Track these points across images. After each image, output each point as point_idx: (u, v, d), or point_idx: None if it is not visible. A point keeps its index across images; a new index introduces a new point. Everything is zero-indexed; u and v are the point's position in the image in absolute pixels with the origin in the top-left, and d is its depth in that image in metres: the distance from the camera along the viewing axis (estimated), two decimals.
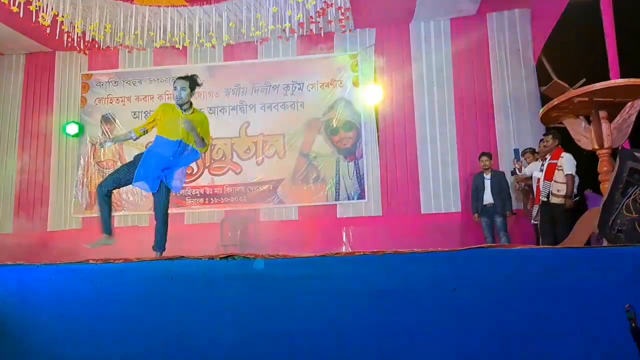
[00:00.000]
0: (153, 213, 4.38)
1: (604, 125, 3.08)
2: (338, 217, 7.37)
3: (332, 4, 6.14)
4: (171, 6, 6.49)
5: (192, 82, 4.12)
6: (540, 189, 5.23)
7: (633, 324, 1.60)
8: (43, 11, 5.92)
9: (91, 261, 2.31)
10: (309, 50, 7.67)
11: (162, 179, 3.98)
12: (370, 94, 7.43)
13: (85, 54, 7.70)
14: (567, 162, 5.07)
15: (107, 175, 4.33)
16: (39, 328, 2.17)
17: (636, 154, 2.50)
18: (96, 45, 6.85)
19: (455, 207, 7.10)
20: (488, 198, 6.30)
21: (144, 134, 4.16)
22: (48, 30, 6.21)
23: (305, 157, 7.58)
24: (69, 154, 7.93)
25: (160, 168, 3.97)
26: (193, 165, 7.56)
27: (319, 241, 6.69)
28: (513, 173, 6.39)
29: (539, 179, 5.32)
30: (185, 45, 6.67)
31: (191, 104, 4.17)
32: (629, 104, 3.03)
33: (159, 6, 6.47)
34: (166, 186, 4.04)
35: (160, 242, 3.98)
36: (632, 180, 2.45)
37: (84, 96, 8.05)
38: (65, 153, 7.93)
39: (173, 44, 6.53)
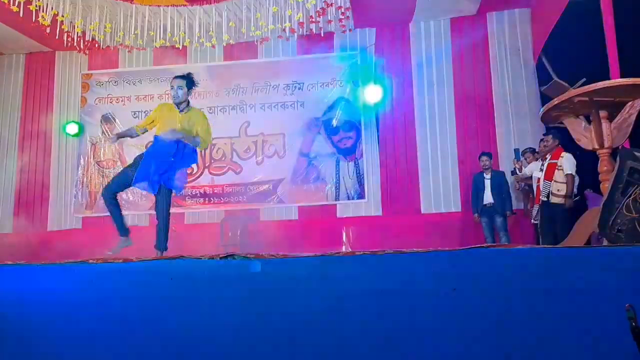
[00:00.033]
0: (153, 213, 4.39)
1: (604, 125, 3.08)
2: (338, 216, 7.37)
3: (332, 4, 6.13)
4: (171, 6, 6.48)
5: (189, 81, 4.14)
6: (541, 189, 5.23)
7: (633, 324, 1.59)
8: (43, 11, 5.91)
9: (91, 261, 2.31)
10: (309, 49, 7.66)
11: (161, 183, 3.99)
12: (371, 94, 7.42)
13: (85, 54, 7.70)
14: (567, 162, 5.07)
15: (110, 177, 4.35)
16: (38, 328, 2.17)
17: (636, 153, 2.50)
18: (96, 45, 6.84)
19: (455, 207, 7.11)
20: (488, 198, 6.29)
21: (144, 133, 4.17)
22: (48, 30, 6.20)
23: (305, 157, 7.58)
24: (69, 153, 7.93)
25: (160, 169, 3.98)
26: (193, 165, 7.56)
27: (319, 241, 6.69)
28: (513, 173, 6.38)
29: (539, 179, 5.32)
30: (185, 44, 6.66)
31: (188, 102, 4.17)
32: (629, 103, 3.03)
33: (158, 6, 6.46)
34: (166, 187, 4.04)
35: (162, 242, 3.99)
36: (632, 180, 2.45)
37: (84, 96, 8.05)
38: (65, 153, 7.94)
39: (173, 43, 6.53)
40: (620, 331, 1.68)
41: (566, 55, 5.63)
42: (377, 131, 7.50)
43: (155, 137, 4.15)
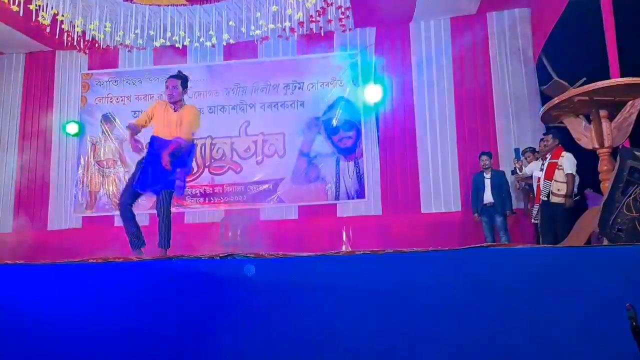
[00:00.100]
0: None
1: (604, 124, 3.08)
2: (338, 216, 7.37)
3: (332, 3, 6.13)
4: (171, 5, 6.48)
5: (184, 80, 4.17)
6: (541, 188, 5.23)
7: (634, 323, 1.59)
8: (43, 10, 5.90)
9: (91, 260, 2.31)
10: (309, 49, 7.66)
11: (162, 189, 4.00)
12: (371, 93, 7.42)
13: (85, 53, 7.70)
14: (567, 162, 5.07)
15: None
16: (38, 327, 2.17)
17: (636, 153, 2.50)
18: (96, 45, 6.84)
19: (455, 207, 7.10)
20: (488, 197, 6.29)
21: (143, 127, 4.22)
22: (48, 30, 6.20)
23: (305, 157, 7.57)
24: (69, 153, 7.93)
25: (160, 172, 3.99)
26: (193, 164, 7.56)
27: (319, 240, 6.69)
28: (513, 172, 6.38)
29: (539, 178, 5.32)
30: (185, 44, 6.66)
31: (182, 101, 4.19)
32: (630, 103, 3.02)
33: (159, 5, 6.46)
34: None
35: (165, 240, 4.00)
36: (633, 179, 2.44)
37: (84, 95, 8.05)
38: (65, 152, 7.93)
39: (173, 43, 6.52)
40: (620, 331, 1.68)
41: (566, 55, 5.63)
42: (377, 131, 7.50)
43: (152, 138, 4.16)
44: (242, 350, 2.00)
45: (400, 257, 2.07)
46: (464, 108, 7.31)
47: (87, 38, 6.74)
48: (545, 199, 5.15)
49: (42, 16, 5.92)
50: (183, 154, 4.12)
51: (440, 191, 7.18)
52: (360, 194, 7.36)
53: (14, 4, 5.67)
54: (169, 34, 6.48)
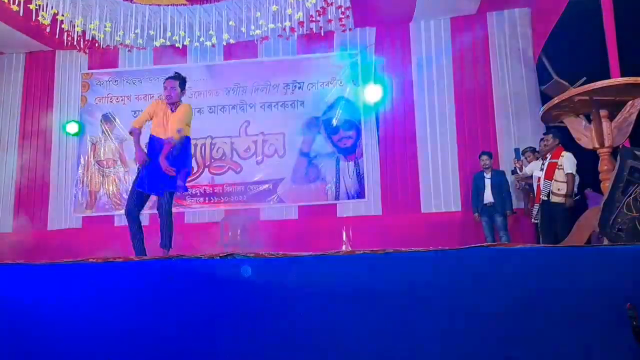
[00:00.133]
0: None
1: (605, 124, 3.08)
2: (338, 216, 7.37)
3: (332, 3, 6.13)
4: (171, 5, 6.48)
5: (182, 81, 4.17)
6: (541, 188, 5.23)
7: (634, 323, 1.59)
8: (43, 10, 5.90)
9: (91, 260, 2.31)
10: (309, 49, 7.66)
11: (164, 189, 4.01)
12: (371, 93, 7.42)
13: (85, 53, 7.70)
14: (567, 161, 5.07)
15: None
16: (38, 327, 2.17)
17: (637, 152, 2.50)
18: (96, 44, 6.84)
19: (455, 206, 7.10)
20: (488, 197, 6.29)
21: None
22: (48, 29, 6.20)
23: (305, 157, 7.57)
24: (69, 153, 7.93)
25: (160, 172, 4.00)
26: (193, 164, 7.56)
27: (319, 240, 6.68)
28: (514, 172, 6.38)
29: (539, 178, 5.32)
30: (185, 44, 6.66)
31: (180, 102, 4.20)
32: (630, 102, 3.02)
33: (159, 5, 6.46)
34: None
35: (167, 241, 4.01)
36: (633, 179, 2.44)
37: (84, 95, 8.05)
38: (66, 152, 7.93)
39: (173, 42, 6.53)
40: (621, 331, 1.67)
41: (566, 55, 5.62)
42: (377, 130, 7.50)
43: (151, 137, 4.17)
44: (242, 349, 2.00)
45: (400, 256, 2.07)
46: (464, 108, 7.31)
47: (87, 38, 6.74)
48: (546, 198, 5.15)
49: (42, 16, 5.92)
50: (180, 153, 4.12)
51: (440, 191, 7.18)
52: (360, 193, 7.36)
53: (14, 3, 5.67)
54: (169, 34, 6.48)
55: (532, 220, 5.68)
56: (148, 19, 6.51)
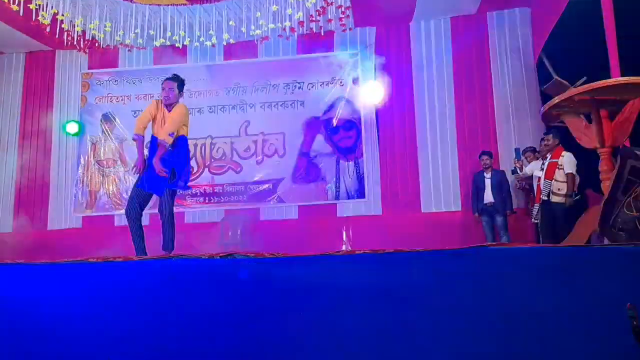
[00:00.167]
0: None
1: (605, 124, 3.09)
2: (338, 216, 7.36)
3: (332, 3, 6.12)
4: (171, 5, 6.48)
5: (180, 83, 4.17)
6: (541, 188, 5.23)
7: (634, 323, 1.59)
8: (43, 10, 5.90)
9: (91, 260, 2.31)
10: (309, 49, 7.66)
11: (165, 188, 4.01)
12: (371, 93, 7.41)
13: (85, 53, 7.70)
14: (567, 161, 5.07)
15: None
16: (38, 326, 2.17)
17: (637, 152, 2.50)
18: (96, 44, 6.84)
19: (455, 206, 7.10)
20: (488, 197, 6.29)
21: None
22: (48, 29, 6.20)
23: (305, 156, 7.57)
24: (69, 152, 7.92)
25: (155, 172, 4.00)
26: (193, 164, 7.57)
27: (319, 240, 6.68)
28: (514, 172, 6.38)
29: (539, 178, 5.32)
30: (185, 44, 6.66)
31: (178, 102, 4.20)
32: (630, 102, 3.03)
33: (159, 5, 6.46)
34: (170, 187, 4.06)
35: (168, 242, 4.00)
36: (633, 179, 2.44)
37: (84, 95, 8.04)
38: (66, 152, 7.93)
39: (173, 42, 6.52)
40: (621, 330, 1.67)
41: (567, 54, 5.62)
42: (377, 130, 7.50)
43: (152, 138, 4.17)
44: (242, 349, 2.00)
45: (400, 256, 2.07)
46: (464, 107, 7.30)
47: (87, 37, 6.74)
48: (546, 198, 5.15)
49: (42, 15, 5.92)
50: (180, 153, 4.12)
51: (441, 191, 7.17)
52: (360, 193, 7.36)
53: (13, 3, 5.67)
54: (169, 34, 6.48)
55: (532, 220, 5.68)
56: (148, 18, 6.50)
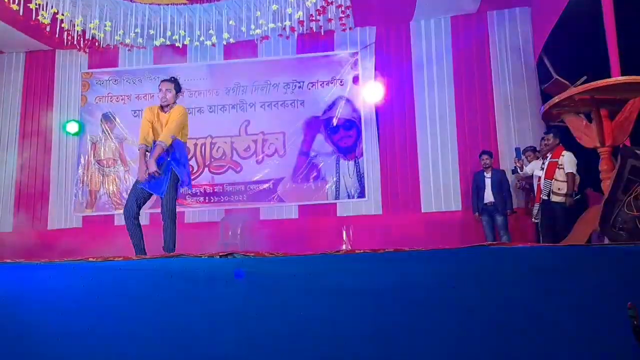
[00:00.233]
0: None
1: (605, 123, 3.08)
2: (338, 215, 7.36)
3: (332, 2, 6.13)
4: (171, 4, 6.48)
5: (177, 84, 4.17)
6: (541, 188, 5.23)
7: (635, 322, 1.59)
8: (43, 9, 5.90)
9: (91, 259, 2.31)
10: (310, 48, 7.66)
11: (166, 191, 4.00)
12: (371, 93, 7.41)
13: (85, 52, 7.70)
14: (568, 161, 5.07)
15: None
16: (38, 325, 2.16)
17: (637, 151, 2.50)
18: (96, 44, 6.84)
19: (455, 206, 7.09)
20: (489, 196, 6.29)
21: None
22: (48, 29, 6.20)
23: (305, 156, 7.57)
24: (69, 152, 7.93)
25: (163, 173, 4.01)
26: (193, 163, 7.57)
27: (319, 240, 6.68)
28: (514, 171, 6.38)
29: (539, 178, 5.32)
30: (185, 43, 6.66)
31: (175, 104, 4.20)
32: (630, 101, 3.02)
33: (159, 4, 6.46)
34: (171, 187, 4.05)
35: (170, 244, 4.00)
36: (634, 178, 2.44)
37: (84, 94, 8.04)
38: (66, 151, 7.93)
39: (173, 42, 6.52)
40: (621, 329, 1.67)
41: (567, 53, 5.61)
42: (377, 130, 7.49)
43: (154, 143, 4.16)
44: (242, 347, 2.00)
45: (400, 256, 2.07)
46: (464, 107, 7.30)
47: (87, 37, 6.74)
48: (546, 198, 5.15)
49: (42, 15, 5.92)
50: (180, 153, 4.11)
51: (441, 190, 7.17)
52: (360, 193, 7.36)
53: (13, 2, 5.67)
54: (169, 33, 6.48)
55: (533, 219, 5.68)
56: (148, 18, 6.51)
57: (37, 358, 2.14)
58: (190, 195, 7.53)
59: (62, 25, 6.23)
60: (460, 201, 7.08)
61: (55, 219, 7.72)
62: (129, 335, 2.08)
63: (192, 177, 7.40)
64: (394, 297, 1.96)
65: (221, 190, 7.60)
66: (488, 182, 6.33)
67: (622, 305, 1.66)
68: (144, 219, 7.24)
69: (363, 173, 7.40)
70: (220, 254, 2.23)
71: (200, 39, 6.53)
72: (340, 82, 7.63)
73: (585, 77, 3.18)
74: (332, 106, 7.61)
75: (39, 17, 5.92)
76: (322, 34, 6.64)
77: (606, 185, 2.83)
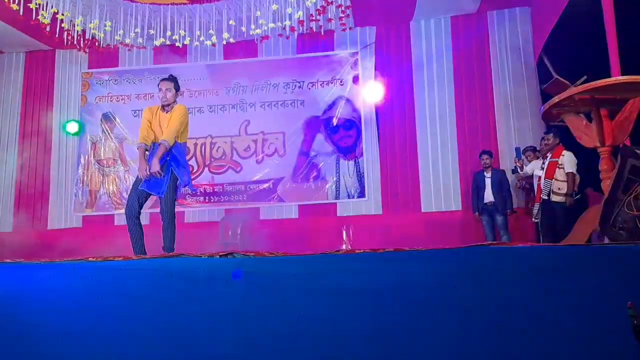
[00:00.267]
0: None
1: (605, 123, 3.08)
2: (338, 215, 7.36)
3: (332, 2, 6.12)
4: (171, 4, 6.48)
5: (176, 82, 4.16)
6: (541, 187, 5.23)
7: (635, 322, 1.59)
8: (43, 9, 5.89)
9: (91, 259, 2.31)
10: (310, 48, 7.66)
11: (166, 191, 4.00)
12: (371, 92, 7.41)
13: (85, 52, 7.70)
14: (568, 160, 5.07)
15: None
16: (38, 325, 2.16)
17: (637, 151, 2.50)
18: (96, 44, 6.83)
19: (455, 206, 7.09)
20: (489, 196, 6.29)
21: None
22: (48, 29, 6.19)
23: (305, 156, 7.57)
24: (69, 152, 7.93)
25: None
26: (193, 163, 7.57)
27: (319, 240, 6.68)
28: (514, 171, 6.38)
29: (540, 177, 5.32)
30: (185, 43, 6.65)
31: (175, 103, 4.19)
32: (630, 101, 3.02)
33: (159, 4, 6.46)
34: (171, 188, 4.05)
35: (169, 244, 4.00)
36: (634, 178, 2.44)
37: (84, 94, 8.04)
38: (66, 151, 7.93)
39: (173, 42, 6.52)
40: (622, 329, 1.67)
41: (567, 53, 5.61)
42: (377, 130, 7.49)
43: (154, 145, 4.16)
44: (241, 347, 2.00)
45: (400, 256, 2.07)
46: (464, 107, 7.30)
47: (87, 37, 6.73)
48: (546, 197, 5.15)
49: (42, 15, 5.91)
50: (180, 154, 4.11)
51: (441, 190, 7.17)
52: (360, 193, 7.36)
53: (13, 2, 5.67)
54: (169, 33, 6.47)
55: (533, 219, 5.68)
56: (148, 18, 6.50)
57: (37, 358, 2.14)
58: (190, 195, 7.53)
59: (62, 25, 6.23)
60: (460, 201, 7.08)
61: (55, 219, 7.72)
62: (128, 335, 2.08)
63: (192, 177, 7.43)
64: (394, 297, 1.96)
65: (221, 190, 7.60)
66: (488, 181, 6.33)
67: (622, 305, 1.66)
68: (143, 219, 7.25)
69: (363, 173, 7.40)
70: (220, 254, 2.23)
71: (200, 39, 6.53)
72: (340, 82, 7.63)
73: (585, 77, 3.18)
74: (332, 106, 7.61)
75: (39, 17, 5.91)
76: (322, 33, 6.64)
77: (606, 185, 2.83)
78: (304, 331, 1.97)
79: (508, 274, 1.95)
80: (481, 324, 1.88)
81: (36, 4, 5.81)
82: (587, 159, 4.35)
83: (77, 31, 6.37)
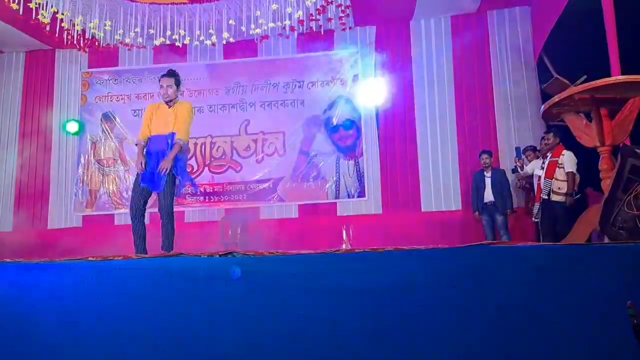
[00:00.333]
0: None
1: (605, 122, 3.08)
2: (338, 215, 7.36)
3: (332, 2, 6.12)
4: (171, 4, 6.47)
5: (177, 78, 4.15)
6: (542, 187, 5.23)
7: (635, 321, 1.59)
8: (43, 9, 5.89)
9: (91, 259, 2.31)
10: (309, 48, 7.65)
11: (165, 185, 3.99)
12: (371, 92, 7.41)
13: (85, 52, 7.69)
14: (568, 160, 5.07)
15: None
16: (38, 325, 2.16)
17: (638, 151, 2.49)
18: (96, 43, 6.83)
19: (455, 205, 7.10)
20: (489, 196, 6.29)
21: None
22: (48, 28, 6.19)
23: (305, 155, 7.57)
24: (69, 152, 7.93)
25: (157, 166, 4.00)
26: (193, 163, 7.57)
27: (319, 239, 6.68)
28: (514, 171, 6.38)
29: (540, 177, 5.32)
30: (185, 43, 6.65)
31: (177, 98, 4.19)
32: (630, 100, 3.02)
33: (159, 4, 6.46)
34: (170, 186, 4.04)
35: (168, 243, 3.99)
36: (634, 177, 2.44)
37: (84, 94, 8.05)
38: (66, 151, 7.93)
39: (173, 41, 6.51)
40: (622, 329, 1.67)
41: (567, 53, 5.61)
42: (377, 129, 7.49)
43: (149, 138, 4.16)
44: (241, 347, 2.00)
45: (400, 255, 2.07)
46: (464, 106, 7.30)
47: (87, 36, 6.73)
48: (546, 197, 5.15)
49: (42, 14, 5.91)
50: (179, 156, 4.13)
51: (441, 190, 7.17)
52: (360, 192, 7.36)
53: (13, 2, 5.66)
54: (168, 33, 6.47)
55: (533, 219, 5.68)
56: (148, 17, 6.50)
57: (37, 358, 2.14)
58: (190, 195, 7.53)
59: (62, 25, 6.22)
60: (460, 201, 7.08)
61: (55, 219, 7.73)
62: (128, 335, 2.08)
63: (192, 177, 7.43)
64: (394, 297, 1.96)
65: (221, 190, 7.60)
66: (488, 181, 6.33)
67: (622, 304, 1.66)
68: (145, 218, 7.26)
69: (363, 172, 7.40)
70: (220, 253, 2.23)
71: (200, 39, 6.52)
72: (340, 81, 7.63)
73: (585, 77, 3.18)
74: (332, 106, 7.62)
75: (39, 17, 5.91)
76: (322, 33, 6.64)
77: (606, 184, 2.83)
78: (304, 330, 1.97)
79: (508, 274, 1.95)
80: (481, 323, 1.88)
81: (36, 3, 5.81)
82: (587, 158, 4.34)
83: (77, 31, 6.37)
